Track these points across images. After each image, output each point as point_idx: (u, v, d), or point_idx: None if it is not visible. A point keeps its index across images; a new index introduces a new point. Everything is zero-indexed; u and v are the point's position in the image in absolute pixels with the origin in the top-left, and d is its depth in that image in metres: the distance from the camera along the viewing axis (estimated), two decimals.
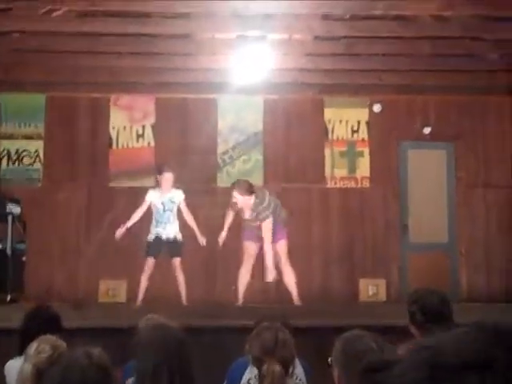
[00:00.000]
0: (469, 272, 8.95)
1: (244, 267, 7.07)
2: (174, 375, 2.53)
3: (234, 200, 6.98)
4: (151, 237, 7.18)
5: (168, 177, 7.15)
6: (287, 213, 7.23)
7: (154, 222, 7.21)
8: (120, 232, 7.03)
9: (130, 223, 7.09)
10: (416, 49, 8.13)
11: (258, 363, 2.89)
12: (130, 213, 8.69)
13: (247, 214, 7.00)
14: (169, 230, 7.18)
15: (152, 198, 7.20)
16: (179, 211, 7.27)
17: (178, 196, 7.24)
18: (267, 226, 6.88)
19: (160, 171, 7.25)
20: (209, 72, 8.67)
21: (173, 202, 7.20)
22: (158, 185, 7.31)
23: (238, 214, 7.12)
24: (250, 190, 6.93)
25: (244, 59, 8.00)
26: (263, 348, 2.91)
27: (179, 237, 7.21)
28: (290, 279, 7.02)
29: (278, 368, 2.81)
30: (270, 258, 6.86)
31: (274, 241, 6.99)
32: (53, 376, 2.02)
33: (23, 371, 2.78)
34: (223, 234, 7.10)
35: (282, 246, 7.05)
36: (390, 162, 9.21)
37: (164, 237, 7.16)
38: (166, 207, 7.18)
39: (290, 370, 2.96)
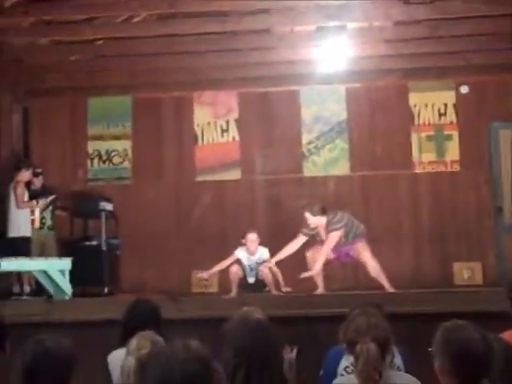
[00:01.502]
0: None
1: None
2: (255, 367, 2.53)
3: (307, 222, 7.02)
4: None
5: (252, 238, 7.26)
6: (364, 227, 7.17)
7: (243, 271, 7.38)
8: (203, 275, 7.29)
9: (214, 270, 7.32)
10: (501, 27, 7.84)
11: (352, 346, 2.85)
12: (217, 206, 8.90)
13: (324, 235, 7.04)
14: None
15: (240, 255, 7.35)
16: None
17: (264, 256, 7.32)
18: (333, 236, 6.91)
19: (243, 235, 7.34)
20: (290, 64, 8.68)
21: (259, 264, 7.31)
22: (244, 244, 7.35)
23: (314, 238, 7.14)
24: (322, 210, 7.00)
25: (325, 50, 7.94)
26: (357, 331, 2.88)
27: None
28: (377, 271, 6.99)
29: (372, 347, 2.75)
30: (320, 263, 6.86)
31: (352, 244, 7.05)
32: (154, 371, 2.05)
33: (126, 365, 2.86)
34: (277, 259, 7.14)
35: (360, 246, 7.05)
36: (481, 144, 8.95)
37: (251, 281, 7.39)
38: (252, 269, 7.34)
39: (389, 358, 2.91)
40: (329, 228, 6.93)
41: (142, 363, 2.77)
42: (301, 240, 7.17)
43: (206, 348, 2.06)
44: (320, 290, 7.02)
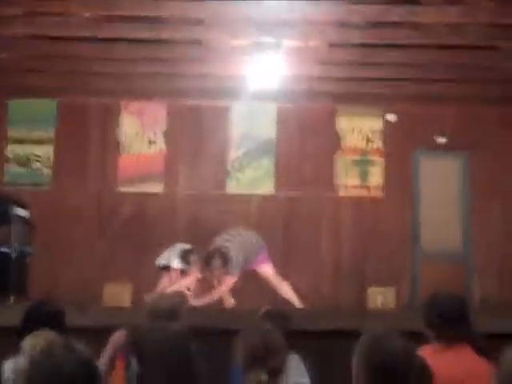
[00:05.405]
0: (482, 283, 8.72)
1: None
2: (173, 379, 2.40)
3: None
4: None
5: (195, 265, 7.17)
6: (260, 239, 7.07)
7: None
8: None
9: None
10: (432, 58, 7.99)
11: (247, 371, 2.79)
12: (138, 219, 8.69)
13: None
14: None
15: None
16: None
17: None
18: (229, 280, 6.79)
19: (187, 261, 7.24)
20: (222, 79, 8.57)
21: None
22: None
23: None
24: (223, 262, 6.69)
25: (258, 66, 7.91)
26: (254, 357, 2.79)
27: None
28: (286, 289, 7.01)
29: (264, 377, 2.70)
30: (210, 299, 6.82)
31: (257, 267, 7.01)
32: (38, 374, 1.98)
33: (18, 365, 2.69)
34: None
35: (267, 269, 7.04)
36: (404, 171, 9.08)
37: None
38: None
39: (281, 379, 2.83)
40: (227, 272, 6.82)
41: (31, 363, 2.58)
42: (194, 276, 7.13)
43: (90, 351, 2.02)
44: (231, 303, 7.05)
